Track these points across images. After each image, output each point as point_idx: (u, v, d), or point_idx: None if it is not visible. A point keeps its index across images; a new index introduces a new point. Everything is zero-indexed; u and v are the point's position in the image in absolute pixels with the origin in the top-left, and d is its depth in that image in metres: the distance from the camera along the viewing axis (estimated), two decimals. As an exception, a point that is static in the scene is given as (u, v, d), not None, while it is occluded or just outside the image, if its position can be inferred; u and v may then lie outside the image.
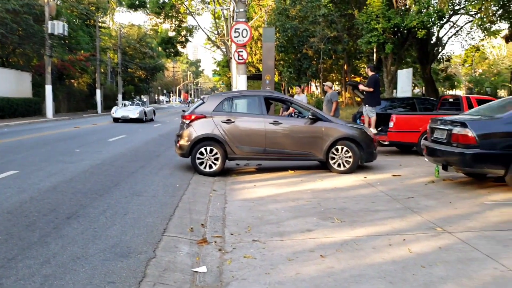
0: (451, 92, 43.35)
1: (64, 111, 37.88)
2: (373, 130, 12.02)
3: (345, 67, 32.33)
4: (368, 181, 8.23)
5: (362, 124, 12.80)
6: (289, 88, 32.38)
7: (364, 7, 18.07)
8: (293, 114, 13.15)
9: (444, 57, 27.78)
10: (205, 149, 8.80)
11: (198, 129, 8.88)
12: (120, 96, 49.65)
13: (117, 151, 11.81)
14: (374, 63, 22.53)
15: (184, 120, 9.13)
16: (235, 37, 15.37)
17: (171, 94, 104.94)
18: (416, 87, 36.29)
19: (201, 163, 8.83)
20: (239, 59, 15.50)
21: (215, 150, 8.81)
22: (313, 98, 31.02)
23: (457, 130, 7.12)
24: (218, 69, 54.84)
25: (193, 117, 9.01)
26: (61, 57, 34.90)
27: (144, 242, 4.71)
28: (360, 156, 9.11)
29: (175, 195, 6.95)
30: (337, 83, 38.88)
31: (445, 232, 5.11)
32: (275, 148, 8.97)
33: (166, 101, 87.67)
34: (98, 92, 42.01)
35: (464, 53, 30.36)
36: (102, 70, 53.31)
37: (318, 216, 5.88)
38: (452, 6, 19.58)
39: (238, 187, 7.87)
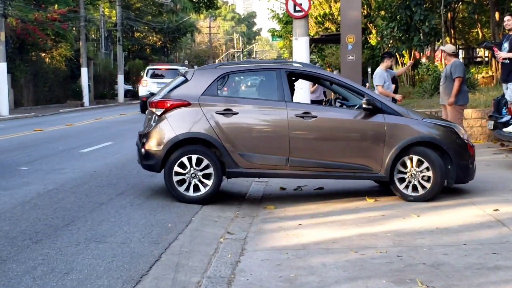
0: None
1: (30, 104, 39.17)
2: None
3: (495, 16, 31.48)
4: (499, 216, 8.05)
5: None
6: (398, 55, 31.77)
7: None
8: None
9: None
10: (189, 159, 8.90)
11: (177, 124, 9.01)
12: (120, 78, 50.92)
13: (88, 168, 12.21)
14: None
15: (154, 110, 9.26)
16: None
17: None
18: None
19: (181, 182, 8.95)
20: (295, 10, 15.60)
21: (205, 161, 8.90)
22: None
23: None
24: (279, 28, 55.00)
25: (168, 104, 9.11)
26: (22, 17, 35.95)
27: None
28: (444, 172, 8.97)
29: (159, 241, 7.09)
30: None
31: None
32: (305, 158, 9.05)
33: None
34: (84, 71, 43.27)
35: None
36: (91, 35, 55.25)
37: (391, 277, 5.81)
38: None
39: (271, 227, 7.94)
